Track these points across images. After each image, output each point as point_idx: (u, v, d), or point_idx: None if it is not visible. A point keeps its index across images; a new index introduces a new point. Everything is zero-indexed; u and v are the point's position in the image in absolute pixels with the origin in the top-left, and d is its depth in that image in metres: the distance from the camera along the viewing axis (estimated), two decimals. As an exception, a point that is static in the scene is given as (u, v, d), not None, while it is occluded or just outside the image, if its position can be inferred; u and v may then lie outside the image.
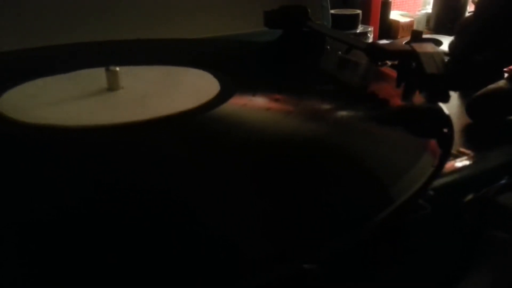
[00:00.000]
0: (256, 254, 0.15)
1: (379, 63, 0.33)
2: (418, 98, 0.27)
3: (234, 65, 0.37)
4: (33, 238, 0.15)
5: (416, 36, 0.36)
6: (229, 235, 0.16)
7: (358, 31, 0.69)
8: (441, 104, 0.25)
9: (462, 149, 0.25)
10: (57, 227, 0.16)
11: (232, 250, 0.15)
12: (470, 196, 0.23)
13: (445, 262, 0.24)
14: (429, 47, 0.27)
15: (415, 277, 0.23)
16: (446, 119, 0.24)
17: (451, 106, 0.31)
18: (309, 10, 0.44)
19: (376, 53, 0.31)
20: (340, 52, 0.40)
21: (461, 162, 0.23)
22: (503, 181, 0.23)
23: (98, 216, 0.16)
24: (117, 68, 0.29)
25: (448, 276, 0.24)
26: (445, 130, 0.23)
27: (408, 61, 0.28)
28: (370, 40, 0.71)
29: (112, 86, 0.29)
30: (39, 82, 0.32)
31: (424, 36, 0.69)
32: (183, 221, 0.16)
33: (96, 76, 0.30)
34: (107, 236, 0.15)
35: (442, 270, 0.24)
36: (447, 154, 0.20)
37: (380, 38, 0.82)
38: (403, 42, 0.64)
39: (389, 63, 0.34)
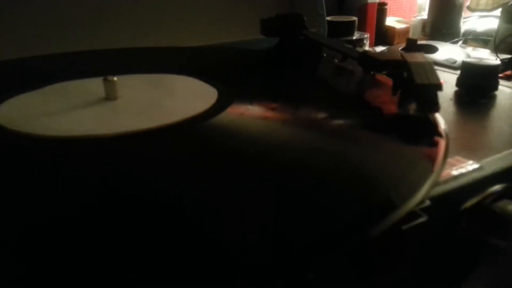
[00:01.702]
0: (254, 263, 0.15)
1: (372, 72, 0.33)
2: (414, 106, 0.27)
3: (231, 73, 0.38)
4: (34, 246, 0.15)
5: (412, 44, 0.36)
6: (227, 244, 0.16)
7: (354, 37, 0.70)
8: (437, 113, 0.26)
9: (458, 158, 0.25)
10: (58, 234, 0.16)
11: (229, 259, 0.15)
12: (467, 204, 0.23)
13: (442, 271, 0.24)
14: (420, 57, 0.27)
15: (412, 286, 0.23)
16: (441, 128, 0.24)
17: (448, 114, 0.32)
18: (305, 18, 0.44)
19: (368, 62, 0.31)
20: (336, 60, 0.41)
21: (457, 170, 0.23)
22: (499, 189, 0.24)
23: (96, 225, 0.17)
24: (115, 78, 0.29)
25: (446, 284, 0.24)
26: (441, 138, 0.23)
27: (400, 71, 0.28)
28: (367, 46, 0.71)
29: (110, 95, 0.29)
30: (37, 92, 0.32)
31: (420, 42, 0.69)
32: (182, 231, 0.16)
33: (94, 86, 0.30)
34: (104, 247, 0.15)
35: (440, 279, 0.24)
36: (443, 162, 0.21)
37: (376, 44, 0.83)
38: (399, 49, 0.64)
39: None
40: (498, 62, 0.36)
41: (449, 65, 0.42)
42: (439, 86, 0.25)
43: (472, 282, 0.24)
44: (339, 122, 0.28)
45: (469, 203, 0.23)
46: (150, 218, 0.17)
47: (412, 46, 0.37)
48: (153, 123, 0.25)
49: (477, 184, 0.23)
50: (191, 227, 0.17)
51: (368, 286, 0.20)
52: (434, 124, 0.25)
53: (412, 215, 0.19)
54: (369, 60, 0.31)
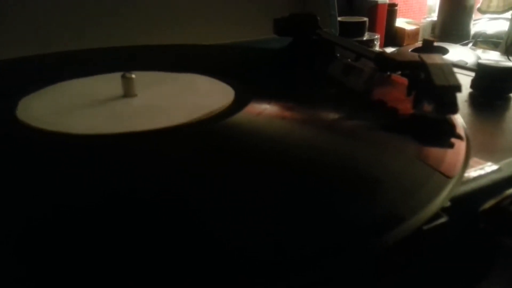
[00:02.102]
0: (262, 266, 0.15)
1: (388, 73, 0.33)
2: (430, 107, 0.27)
3: (245, 72, 0.38)
4: (40, 244, 0.15)
5: (428, 44, 0.36)
6: (238, 245, 0.16)
7: (364, 38, 0.70)
8: (457, 114, 0.26)
9: (477, 159, 0.25)
10: (72, 230, 0.16)
11: (238, 261, 0.15)
12: (485, 206, 0.23)
13: (460, 272, 0.24)
14: (438, 58, 0.27)
15: (428, 286, 0.23)
16: (462, 129, 0.24)
17: (464, 116, 0.31)
18: (318, 18, 0.44)
19: (385, 63, 0.31)
20: (350, 60, 0.40)
21: (476, 172, 0.23)
22: (518, 191, 0.24)
23: (108, 222, 0.17)
24: (133, 75, 0.29)
25: (464, 285, 0.24)
26: (462, 139, 0.23)
27: (417, 72, 0.28)
28: (377, 47, 0.71)
29: (128, 92, 0.29)
30: (55, 88, 0.32)
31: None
32: (194, 230, 0.16)
33: (112, 82, 0.30)
34: (114, 246, 0.15)
35: (458, 280, 0.24)
36: (466, 163, 0.21)
37: (386, 45, 0.83)
38: (409, 50, 0.64)
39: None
40: (513, 64, 0.36)
41: (466, 67, 0.42)
42: (458, 88, 0.25)
43: (488, 283, 0.24)
44: (354, 123, 0.28)
45: (487, 205, 0.23)
46: (165, 218, 0.17)
47: (428, 46, 0.37)
48: (170, 121, 0.25)
49: (496, 186, 0.23)
50: (203, 227, 0.17)
51: (386, 286, 0.20)
52: (454, 126, 0.25)
53: (433, 215, 0.19)
54: (386, 60, 0.31)
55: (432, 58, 0.28)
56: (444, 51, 0.66)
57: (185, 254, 0.15)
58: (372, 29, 0.79)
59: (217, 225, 0.17)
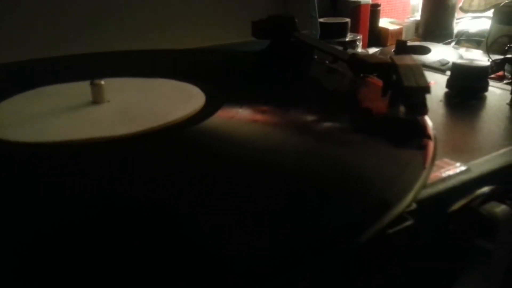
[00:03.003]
0: (244, 267, 0.15)
1: (361, 75, 0.33)
2: (403, 109, 0.27)
3: (221, 76, 0.37)
4: (25, 252, 0.15)
5: (401, 45, 0.36)
6: (217, 248, 0.16)
7: (347, 39, 0.70)
8: (426, 116, 0.26)
9: (446, 160, 0.25)
10: (44, 240, 0.16)
11: (220, 262, 0.15)
12: (454, 207, 0.23)
13: (430, 274, 0.24)
14: (409, 60, 0.27)
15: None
16: (430, 130, 0.24)
17: (437, 116, 0.32)
18: (296, 20, 0.44)
19: (357, 65, 0.31)
20: (327, 62, 0.40)
21: (445, 173, 0.23)
22: (487, 191, 0.24)
23: (83, 232, 0.16)
24: (102, 82, 0.28)
25: (434, 287, 0.24)
26: (429, 141, 0.23)
27: (389, 73, 0.28)
28: (360, 48, 0.71)
29: (97, 99, 0.29)
30: (22, 96, 0.31)
31: (413, 43, 0.70)
32: (172, 235, 0.16)
33: (81, 89, 0.30)
34: (94, 254, 0.15)
35: (428, 282, 0.24)
36: (431, 165, 0.21)
37: (370, 45, 0.83)
38: (392, 50, 0.64)
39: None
40: (488, 63, 0.36)
41: (438, 68, 0.43)
42: (427, 89, 0.25)
43: (460, 284, 0.24)
44: (329, 124, 0.28)
45: (457, 206, 0.23)
46: (139, 224, 0.17)
47: (402, 47, 0.37)
48: (139, 127, 0.25)
49: (465, 186, 0.23)
50: (181, 232, 0.17)
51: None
52: (423, 127, 0.25)
53: (399, 218, 0.19)
54: (358, 62, 0.31)
55: (403, 60, 0.28)
56: (427, 50, 0.66)
57: (161, 261, 0.15)
58: (356, 29, 0.79)
59: (193, 228, 0.17)
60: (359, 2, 0.83)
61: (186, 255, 0.15)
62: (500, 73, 0.61)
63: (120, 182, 0.20)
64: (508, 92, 0.34)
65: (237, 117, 0.27)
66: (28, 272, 0.14)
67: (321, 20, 0.65)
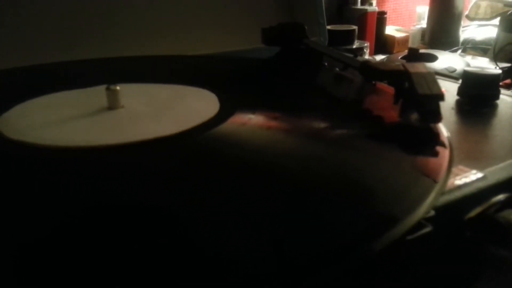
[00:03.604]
0: (254, 275, 0.15)
1: (373, 82, 0.33)
2: (416, 116, 0.27)
3: (232, 82, 0.38)
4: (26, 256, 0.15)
5: (413, 53, 0.36)
6: (225, 254, 0.16)
7: (354, 46, 0.70)
8: (441, 123, 0.26)
9: (462, 167, 0.25)
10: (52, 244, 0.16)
11: (225, 271, 0.15)
12: (470, 214, 0.23)
13: (446, 281, 0.24)
14: (422, 67, 0.27)
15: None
16: (445, 137, 0.24)
17: (450, 123, 0.32)
18: (306, 27, 0.45)
19: (369, 72, 0.31)
20: (337, 69, 0.41)
21: (461, 180, 0.23)
22: (503, 198, 0.24)
23: (95, 236, 0.16)
24: (118, 87, 0.29)
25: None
26: (445, 148, 0.23)
27: (401, 81, 0.28)
28: (367, 55, 0.72)
29: (113, 105, 0.29)
30: (38, 101, 0.32)
31: (420, 51, 0.70)
32: (182, 242, 0.16)
33: (97, 94, 0.30)
34: (99, 257, 0.15)
35: (444, 289, 0.24)
36: (448, 172, 0.21)
37: (376, 53, 0.83)
38: (399, 57, 0.64)
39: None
40: (499, 71, 0.36)
41: (450, 75, 0.43)
42: (441, 96, 0.25)
43: (477, 292, 0.24)
44: (341, 132, 0.28)
45: (473, 213, 0.23)
46: (150, 229, 0.17)
47: (414, 55, 0.37)
48: (155, 133, 0.25)
49: (481, 194, 0.23)
50: (190, 237, 0.17)
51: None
52: (437, 134, 0.25)
53: (417, 225, 0.19)
54: (370, 70, 0.31)
55: (416, 67, 0.28)
56: (433, 58, 0.66)
57: (171, 265, 0.15)
58: (362, 37, 0.80)
59: (206, 236, 0.17)
60: (366, 9, 0.83)
61: (195, 261, 0.15)
62: (508, 81, 0.61)
63: (133, 188, 0.20)
64: (520, 100, 0.34)
65: (250, 123, 0.28)
66: (28, 272, 0.15)
67: (328, 27, 0.66)
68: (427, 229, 0.19)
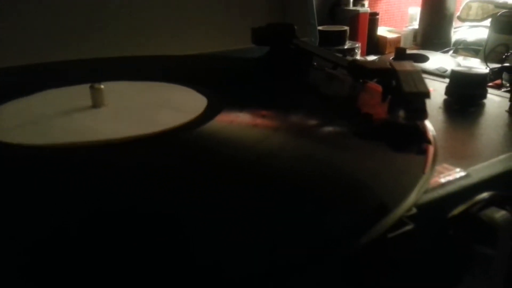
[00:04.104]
0: (239, 272, 0.14)
1: (361, 80, 0.33)
2: (403, 114, 0.27)
3: (221, 82, 0.38)
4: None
5: (400, 53, 0.36)
6: (213, 252, 0.15)
7: (346, 47, 0.70)
8: (426, 121, 0.26)
9: (446, 165, 0.25)
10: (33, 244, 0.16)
11: (214, 269, 0.15)
12: (454, 212, 0.23)
13: (430, 279, 0.23)
14: (408, 66, 0.28)
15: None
16: (430, 135, 0.24)
17: (437, 122, 0.32)
18: (295, 28, 0.45)
19: (357, 71, 0.31)
20: (326, 69, 0.41)
21: (445, 178, 0.23)
22: (486, 197, 0.24)
23: (75, 235, 0.16)
24: (102, 86, 0.28)
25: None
26: (430, 145, 0.23)
27: (389, 79, 0.28)
28: (358, 56, 0.72)
29: (97, 103, 0.29)
30: (22, 101, 0.31)
31: (411, 51, 0.70)
32: (168, 239, 0.16)
33: (81, 93, 0.30)
34: (82, 258, 0.15)
35: (427, 287, 0.24)
36: (432, 170, 0.20)
37: (368, 53, 0.83)
38: (390, 58, 0.64)
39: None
40: (486, 70, 0.36)
41: (438, 74, 0.43)
42: (427, 94, 0.25)
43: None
44: (328, 130, 0.28)
45: (456, 211, 0.23)
46: (137, 227, 0.17)
47: (401, 55, 0.37)
48: (138, 131, 0.25)
49: (464, 192, 0.23)
50: (176, 235, 0.16)
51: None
52: (423, 132, 0.25)
53: (399, 223, 0.19)
54: (358, 68, 0.31)
55: (403, 66, 0.28)
56: (425, 58, 0.66)
57: (157, 265, 0.15)
58: (354, 38, 0.80)
59: (189, 232, 0.17)
60: (358, 10, 0.83)
61: (183, 258, 0.15)
62: (498, 81, 0.61)
63: (117, 186, 0.20)
64: (507, 100, 0.34)
65: (237, 121, 0.27)
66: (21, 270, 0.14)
67: (320, 28, 0.66)
68: (409, 227, 0.19)
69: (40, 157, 0.23)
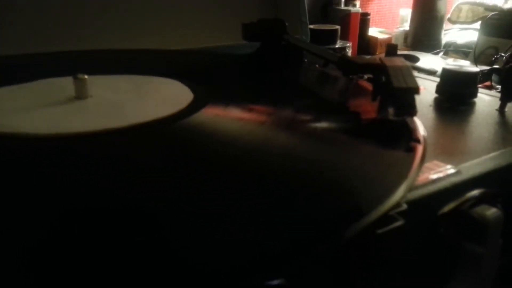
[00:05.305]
0: (223, 267, 0.14)
1: (350, 76, 0.33)
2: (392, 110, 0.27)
3: (209, 76, 0.37)
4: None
5: (391, 50, 0.36)
6: (196, 247, 0.15)
7: (336, 46, 0.70)
8: (416, 118, 0.25)
9: (437, 162, 0.24)
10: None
11: (198, 262, 0.14)
12: (444, 209, 0.23)
13: (420, 276, 0.23)
14: (398, 61, 0.27)
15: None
16: (419, 132, 0.24)
17: (427, 120, 0.31)
18: (286, 24, 0.44)
19: (346, 66, 0.31)
20: (317, 65, 0.40)
21: (435, 175, 0.23)
22: (477, 194, 0.23)
23: (53, 229, 0.16)
24: (86, 76, 0.28)
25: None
26: (419, 142, 0.22)
27: (378, 75, 0.27)
28: (349, 55, 0.71)
29: (80, 94, 0.28)
30: (5, 90, 0.30)
31: (402, 52, 0.70)
32: (148, 235, 0.15)
33: (65, 85, 0.29)
34: (56, 252, 0.14)
35: (417, 284, 0.23)
36: (420, 166, 0.20)
37: (359, 53, 0.83)
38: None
39: (365, 76, 0.34)
40: (477, 69, 0.36)
41: (428, 70, 0.43)
42: (416, 90, 0.25)
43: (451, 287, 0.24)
44: (316, 125, 0.27)
45: (447, 208, 0.23)
46: (116, 222, 0.16)
47: (392, 52, 0.37)
48: (123, 122, 0.24)
49: (455, 189, 0.23)
50: (158, 231, 0.16)
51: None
52: (412, 128, 0.24)
53: (389, 219, 0.19)
54: (347, 63, 0.30)
55: (393, 61, 0.28)
56: (415, 59, 0.66)
57: (142, 260, 0.14)
58: (345, 37, 0.80)
59: (171, 227, 0.16)
60: (349, 10, 0.83)
61: (166, 253, 0.14)
62: (487, 83, 0.62)
63: (97, 178, 0.19)
64: (497, 99, 0.34)
65: (222, 114, 0.27)
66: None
67: (311, 26, 0.65)
68: (399, 223, 0.19)
69: (12, 147, 0.22)
